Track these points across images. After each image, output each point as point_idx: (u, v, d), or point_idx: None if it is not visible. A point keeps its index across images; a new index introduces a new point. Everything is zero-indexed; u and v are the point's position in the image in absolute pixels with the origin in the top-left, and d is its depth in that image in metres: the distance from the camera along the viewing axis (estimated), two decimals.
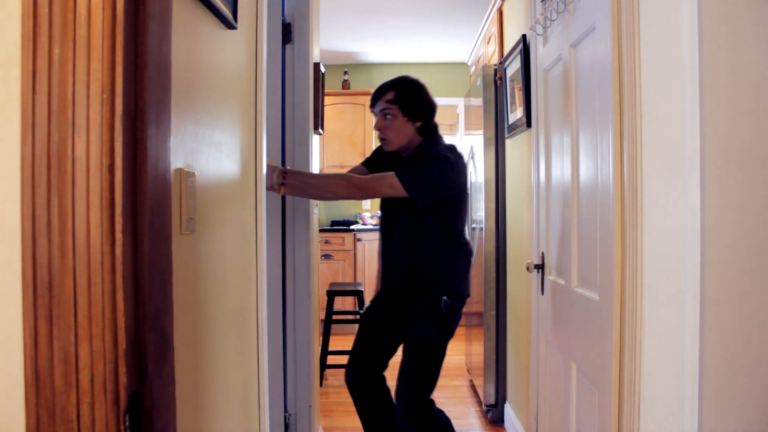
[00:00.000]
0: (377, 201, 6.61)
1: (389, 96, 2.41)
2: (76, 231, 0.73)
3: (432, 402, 2.44)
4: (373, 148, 6.79)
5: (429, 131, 2.46)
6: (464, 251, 2.49)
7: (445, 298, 2.38)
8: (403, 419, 2.39)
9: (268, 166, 2.27)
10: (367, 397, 2.58)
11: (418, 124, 2.43)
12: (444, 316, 2.38)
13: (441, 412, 2.48)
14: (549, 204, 2.36)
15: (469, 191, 2.57)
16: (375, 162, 2.62)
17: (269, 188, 2.29)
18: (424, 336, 2.38)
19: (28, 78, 0.73)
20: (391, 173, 2.33)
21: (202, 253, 1.29)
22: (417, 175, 2.31)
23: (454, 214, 2.45)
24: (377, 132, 2.46)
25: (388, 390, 2.59)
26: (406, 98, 2.41)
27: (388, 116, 2.41)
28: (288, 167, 2.42)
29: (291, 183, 2.28)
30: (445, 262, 2.41)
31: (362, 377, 2.57)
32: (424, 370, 2.41)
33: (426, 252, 2.40)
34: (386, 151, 2.50)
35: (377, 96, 2.44)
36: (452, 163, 2.37)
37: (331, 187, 2.40)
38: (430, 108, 2.47)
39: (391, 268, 2.49)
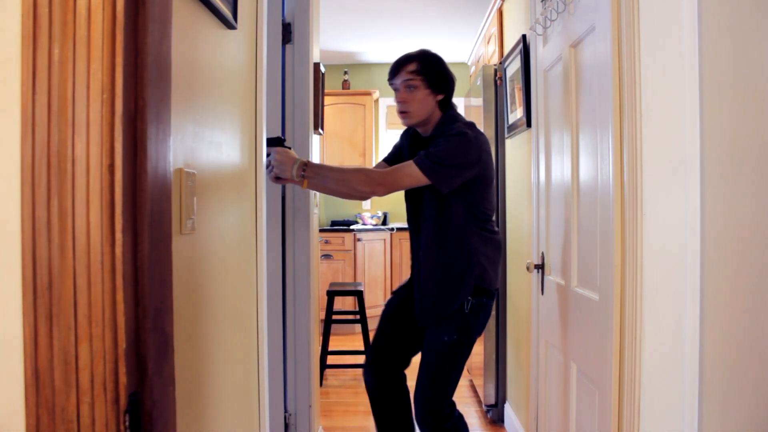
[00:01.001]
0: (378, 200, 6.64)
1: (412, 67, 2.29)
2: (76, 231, 0.73)
3: (452, 406, 2.33)
4: (374, 148, 6.80)
5: (448, 106, 2.37)
6: (494, 241, 2.35)
7: (469, 297, 2.24)
8: (421, 425, 2.30)
9: (289, 157, 2.20)
10: (386, 398, 2.47)
11: (440, 97, 2.32)
12: (467, 318, 2.25)
13: (461, 418, 2.37)
14: (549, 204, 2.36)
15: (493, 174, 2.39)
16: (396, 157, 2.51)
17: (288, 180, 2.23)
18: (444, 339, 2.26)
19: (28, 78, 0.73)
20: (409, 161, 2.22)
21: (202, 253, 1.29)
22: (435, 159, 2.18)
23: (480, 198, 2.30)
24: (398, 105, 2.33)
25: (407, 392, 2.48)
26: (429, 69, 2.30)
27: (411, 88, 2.28)
28: (308, 159, 2.32)
29: (311, 176, 2.21)
30: (477, 251, 2.26)
31: (382, 376, 2.45)
32: (443, 374, 2.29)
33: (455, 240, 2.27)
34: (406, 125, 2.38)
35: (398, 68, 2.31)
36: (471, 138, 2.23)
37: (349, 181, 2.28)
38: (451, 80, 2.37)
39: (420, 261, 2.34)
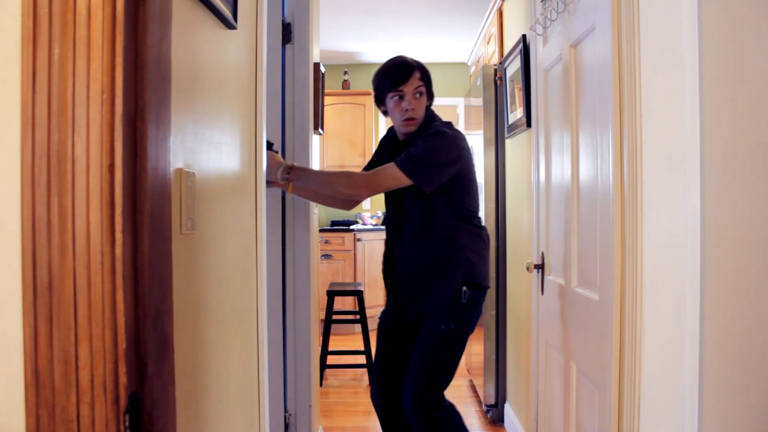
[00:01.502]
0: (379, 200, 6.64)
1: (418, 74, 2.32)
2: (76, 231, 0.73)
3: (442, 398, 2.30)
4: (374, 148, 6.81)
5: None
6: (481, 236, 2.36)
7: (465, 288, 2.25)
8: (408, 412, 2.26)
9: (275, 161, 2.24)
10: (396, 415, 2.43)
11: (430, 102, 2.39)
12: (464, 308, 2.25)
13: (452, 407, 2.32)
14: (549, 204, 2.36)
15: (475, 171, 2.42)
16: (376, 164, 2.51)
17: (273, 183, 2.27)
18: (441, 327, 2.25)
19: (28, 78, 0.73)
20: (390, 163, 2.25)
21: (202, 253, 1.29)
22: (415, 159, 2.20)
23: (463, 194, 2.32)
24: (407, 112, 2.30)
25: None
26: (428, 76, 2.36)
27: (419, 95, 2.31)
28: (294, 163, 2.35)
29: (294, 179, 2.25)
30: (464, 247, 2.28)
31: (390, 392, 2.43)
32: (436, 363, 2.27)
33: (440, 238, 2.28)
34: (409, 132, 2.34)
35: (408, 75, 2.29)
36: (450, 136, 2.26)
37: (332, 184, 2.33)
38: None
39: (405, 259, 2.34)
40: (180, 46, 1.13)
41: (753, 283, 1.47)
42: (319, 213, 3.31)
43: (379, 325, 2.53)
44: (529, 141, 2.77)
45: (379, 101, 2.39)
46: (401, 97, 2.29)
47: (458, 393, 4.10)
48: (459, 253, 2.28)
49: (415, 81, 2.30)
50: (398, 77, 2.30)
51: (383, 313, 2.53)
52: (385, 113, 2.40)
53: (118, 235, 0.74)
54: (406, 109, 2.29)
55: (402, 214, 2.35)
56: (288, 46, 2.72)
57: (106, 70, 0.74)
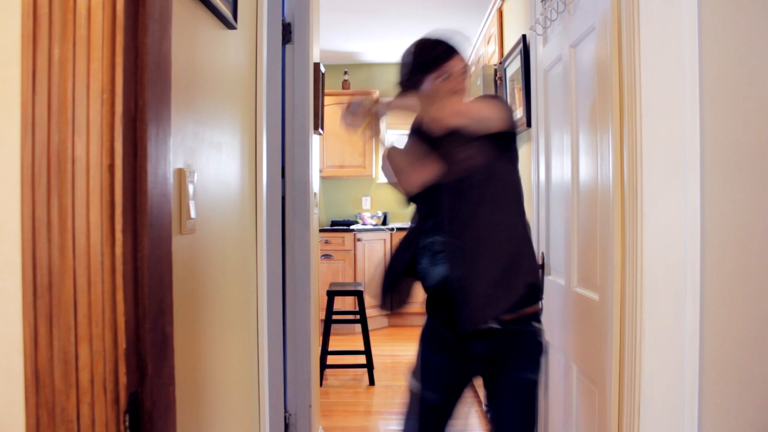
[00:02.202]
0: (378, 200, 6.64)
1: (462, 58, 1.77)
2: (76, 231, 0.73)
3: None
4: (374, 148, 6.78)
5: None
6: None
7: (536, 324, 1.74)
8: None
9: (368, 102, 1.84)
10: None
11: None
12: (543, 351, 1.77)
13: None
14: (549, 204, 2.36)
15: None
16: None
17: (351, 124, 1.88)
18: (530, 377, 1.75)
19: (28, 78, 0.73)
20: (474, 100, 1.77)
21: (202, 253, 1.29)
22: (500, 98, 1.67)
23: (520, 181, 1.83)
24: (462, 92, 1.75)
25: None
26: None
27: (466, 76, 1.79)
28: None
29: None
30: (532, 258, 1.77)
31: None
32: (530, 420, 1.77)
33: (515, 246, 1.71)
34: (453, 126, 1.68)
35: (449, 54, 1.73)
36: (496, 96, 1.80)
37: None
38: None
39: (466, 254, 1.69)
40: (180, 46, 1.13)
41: (753, 283, 1.47)
42: (319, 213, 3.31)
43: (430, 364, 1.92)
44: (529, 141, 2.76)
45: (413, 85, 1.76)
46: (447, 76, 1.72)
47: None
48: (531, 260, 1.77)
49: (461, 59, 1.76)
50: (445, 52, 1.74)
51: (432, 354, 1.92)
52: (398, 112, 1.86)
53: (118, 235, 0.74)
54: (459, 89, 1.74)
55: (459, 206, 1.74)
56: (288, 46, 2.72)
57: (106, 70, 0.74)
